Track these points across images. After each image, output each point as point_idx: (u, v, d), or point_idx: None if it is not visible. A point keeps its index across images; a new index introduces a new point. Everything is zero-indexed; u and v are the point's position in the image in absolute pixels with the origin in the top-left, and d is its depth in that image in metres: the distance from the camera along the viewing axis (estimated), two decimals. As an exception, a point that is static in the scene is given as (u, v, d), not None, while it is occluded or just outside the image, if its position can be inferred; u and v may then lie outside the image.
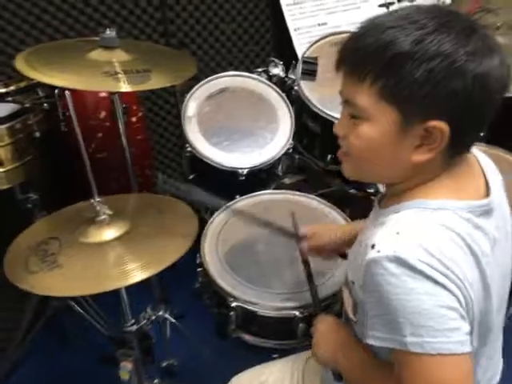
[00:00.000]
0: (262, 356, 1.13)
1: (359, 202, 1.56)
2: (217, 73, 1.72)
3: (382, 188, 1.47)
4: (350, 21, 2.03)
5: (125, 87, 1.10)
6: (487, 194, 0.69)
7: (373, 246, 0.64)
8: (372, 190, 1.50)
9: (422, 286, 0.59)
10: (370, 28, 0.63)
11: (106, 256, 0.98)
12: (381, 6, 2.10)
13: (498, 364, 0.84)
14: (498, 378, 0.83)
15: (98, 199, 0.98)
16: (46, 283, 0.90)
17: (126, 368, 1.10)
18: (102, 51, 1.20)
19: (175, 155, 2.32)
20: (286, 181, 1.73)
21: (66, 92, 1.03)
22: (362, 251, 0.69)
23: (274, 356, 1.11)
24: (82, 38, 1.76)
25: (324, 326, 0.87)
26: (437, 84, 0.59)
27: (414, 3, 2.07)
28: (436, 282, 0.59)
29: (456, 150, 0.66)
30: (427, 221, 0.64)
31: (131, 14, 1.94)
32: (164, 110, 2.18)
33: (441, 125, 0.61)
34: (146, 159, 1.96)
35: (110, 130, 1.72)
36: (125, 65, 1.17)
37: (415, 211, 0.65)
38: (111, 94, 1.29)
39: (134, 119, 1.80)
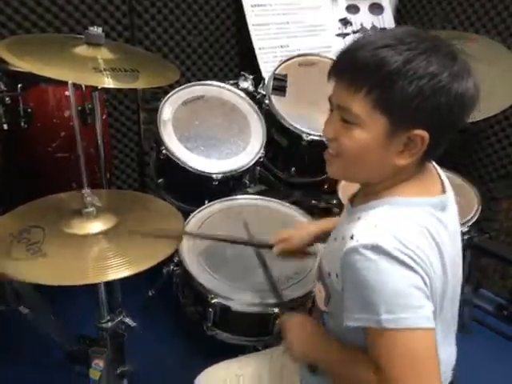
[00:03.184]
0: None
1: (321, 213, 1.66)
2: (181, 83, 1.76)
3: (343, 199, 1.59)
4: (309, 46, 2.17)
5: (114, 84, 1.10)
6: (443, 191, 0.81)
7: (352, 237, 0.72)
8: (334, 201, 1.60)
9: (395, 269, 0.68)
10: (366, 44, 0.71)
11: (91, 249, 0.97)
12: (338, 35, 2.28)
13: (454, 348, 0.94)
14: (453, 359, 0.93)
15: (88, 190, 0.97)
16: (29, 271, 0.87)
17: (97, 367, 1.07)
18: (88, 48, 1.20)
19: (131, 161, 2.29)
20: (250, 190, 1.80)
21: (70, 82, 1.01)
22: (338, 244, 0.77)
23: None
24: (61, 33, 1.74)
25: (292, 324, 0.93)
26: (425, 99, 0.68)
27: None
28: (407, 266, 0.69)
29: (430, 155, 0.77)
30: (400, 215, 0.74)
31: (98, 16, 1.93)
32: (124, 115, 2.17)
33: (422, 134, 0.70)
34: (107, 163, 1.93)
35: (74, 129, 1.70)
36: (111, 63, 1.18)
37: (389, 207, 0.75)
38: (92, 90, 1.28)
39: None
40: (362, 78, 0.70)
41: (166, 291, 1.64)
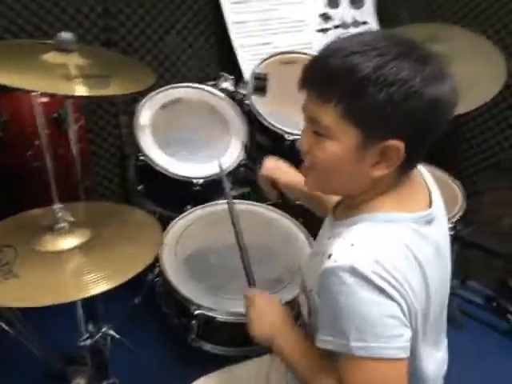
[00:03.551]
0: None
1: (307, 213, 1.63)
2: (160, 84, 1.72)
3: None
4: (291, 43, 2.14)
5: (85, 91, 1.06)
6: (430, 204, 0.77)
7: (329, 256, 0.69)
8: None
9: (371, 296, 0.65)
10: (334, 51, 0.68)
11: (66, 266, 0.94)
12: (319, 30, 2.25)
13: (445, 358, 0.92)
14: (445, 368, 0.92)
15: (59, 205, 0.93)
16: (2, 294, 0.84)
17: (78, 385, 1.04)
18: (57, 54, 1.15)
19: (113, 166, 2.24)
20: (233, 193, 1.76)
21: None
22: (319, 261, 0.74)
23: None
24: (32, 39, 1.69)
25: (264, 301, 0.89)
26: (396, 107, 0.64)
27: (356, 29, 2.24)
28: (384, 292, 0.65)
29: (409, 165, 0.73)
30: (379, 234, 0.70)
31: (72, 19, 1.88)
32: (103, 119, 2.11)
33: (397, 144, 0.67)
34: (86, 170, 1.89)
35: (49, 137, 1.65)
36: (82, 69, 1.14)
37: (368, 224, 0.72)
38: (66, 98, 1.24)
39: (75, 127, 1.73)
40: (330, 88, 0.67)
41: (151, 298, 1.61)
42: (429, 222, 0.75)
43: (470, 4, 2.04)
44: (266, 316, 0.87)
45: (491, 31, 1.97)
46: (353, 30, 2.28)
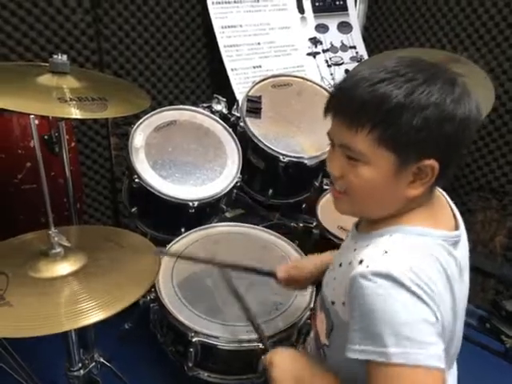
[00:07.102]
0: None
1: (302, 235, 1.62)
2: (152, 107, 1.70)
3: (322, 220, 1.56)
4: (282, 66, 2.17)
5: (81, 114, 1.05)
6: (456, 226, 0.78)
7: (361, 262, 0.69)
8: (313, 224, 1.57)
9: (408, 301, 0.64)
10: (360, 80, 0.69)
11: (60, 293, 0.90)
12: (308, 54, 2.29)
13: (456, 375, 0.91)
14: None
15: (54, 230, 0.90)
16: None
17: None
18: (52, 77, 1.15)
19: (103, 188, 2.22)
20: (227, 215, 1.75)
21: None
22: (344, 270, 0.74)
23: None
24: (23, 61, 1.67)
25: (281, 358, 0.87)
26: (431, 130, 0.67)
27: (345, 53, 2.28)
28: (419, 299, 0.65)
29: (439, 182, 0.74)
30: (412, 244, 0.71)
31: (63, 41, 1.87)
32: (95, 141, 2.10)
33: (432, 163, 0.69)
34: (77, 192, 1.86)
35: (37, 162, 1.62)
36: (77, 92, 1.13)
37: (401, 235, 0.72)
38: (57, 121, 1.22)
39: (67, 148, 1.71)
40: (362, 117, 0.69)
41: (142, 323, 1.57)
42: (455, 243, 0.75)
43: (455, 29, 2.10)
44: (286, 370, 0.84)
45: (477, 55, 2.03)
46: (341, 54, 2.33)
